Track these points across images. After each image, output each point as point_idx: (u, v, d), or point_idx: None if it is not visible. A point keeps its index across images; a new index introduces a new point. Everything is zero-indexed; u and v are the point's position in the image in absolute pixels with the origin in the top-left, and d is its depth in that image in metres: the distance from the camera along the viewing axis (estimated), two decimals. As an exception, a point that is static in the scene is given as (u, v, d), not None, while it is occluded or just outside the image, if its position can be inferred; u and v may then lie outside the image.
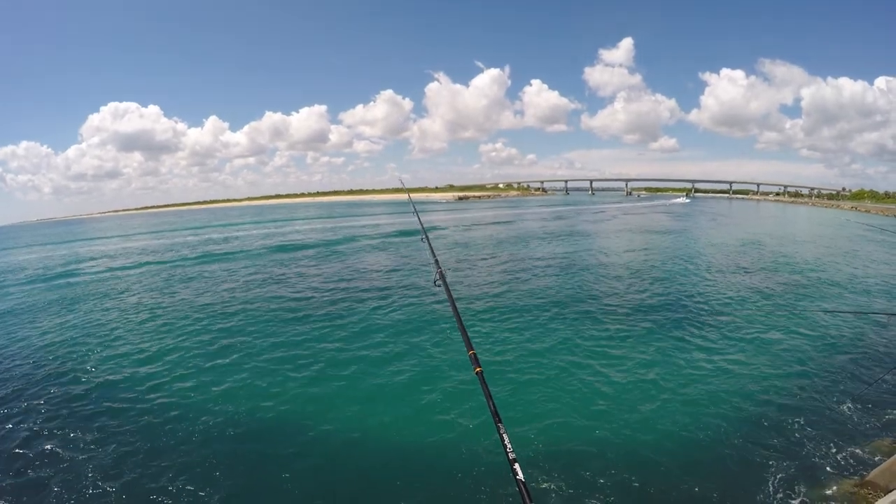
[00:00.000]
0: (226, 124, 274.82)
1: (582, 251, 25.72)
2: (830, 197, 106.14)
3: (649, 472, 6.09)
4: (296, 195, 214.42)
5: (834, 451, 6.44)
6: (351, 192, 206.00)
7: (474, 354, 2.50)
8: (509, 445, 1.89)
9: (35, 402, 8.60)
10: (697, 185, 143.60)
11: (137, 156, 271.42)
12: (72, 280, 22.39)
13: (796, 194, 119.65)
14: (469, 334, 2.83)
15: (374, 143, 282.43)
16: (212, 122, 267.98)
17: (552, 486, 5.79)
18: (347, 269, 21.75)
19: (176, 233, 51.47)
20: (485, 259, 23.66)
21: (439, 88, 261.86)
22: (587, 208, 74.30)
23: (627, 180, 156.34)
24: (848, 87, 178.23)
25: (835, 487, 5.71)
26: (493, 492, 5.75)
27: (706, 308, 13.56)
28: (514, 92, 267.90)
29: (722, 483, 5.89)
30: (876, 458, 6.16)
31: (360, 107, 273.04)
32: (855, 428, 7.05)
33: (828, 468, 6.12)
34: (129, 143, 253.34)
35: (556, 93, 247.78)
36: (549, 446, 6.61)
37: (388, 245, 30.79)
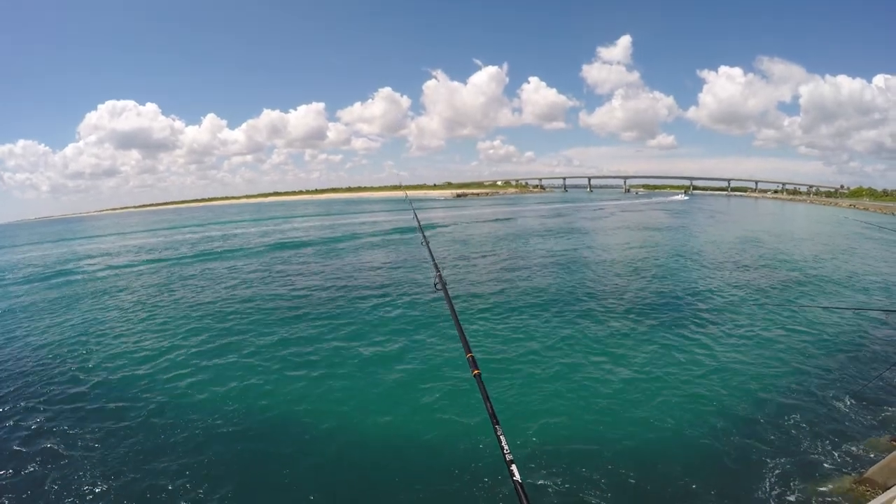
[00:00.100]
0: (224, 122, 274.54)
1: (581, 248, 25.73)
2: (829, 194, 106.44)
3: (647, 469, 6.11)
4: (294, 193, 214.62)
5: (831, 447, 6.47)
6: (349, 189, 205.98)
7: (472, 357, 2.54)
8: (507, 447, 1.92)
9: (34, 401, 8.59)
10: (696, 183, 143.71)
11: (135, 154, 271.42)
12: (70, 278, 22.36)
13: (794, 192, 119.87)
14: (468, 334, 2.86)
15: (372, 140, 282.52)
16: (210, 119, 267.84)
17: (550, 484, 5.81)
18: (346, 267, 21.75)
19: (174, 230, 51.38)
20: (484, 257, 23.66)
21: (437, 86, 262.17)
22: (586, 205, 74.34)
23: (626, 177, 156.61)
24: (846, 85, 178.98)
25: (833, 484, 5.74)
26: (491, 489, 5.77)
27: (704, 305, 13.59)
28: (512, 89, 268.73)
29: (720, 480, 5.92)
30: (873, 455, 6.20)
31: (358, 104, 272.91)
32: (853, 425, 7.08)
33: (825, 465, 6.14)
34: (127, 141, 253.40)
35: (554, 90, 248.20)
36: (548, 443, 6.63)
37: (387, 242, 30.81)
